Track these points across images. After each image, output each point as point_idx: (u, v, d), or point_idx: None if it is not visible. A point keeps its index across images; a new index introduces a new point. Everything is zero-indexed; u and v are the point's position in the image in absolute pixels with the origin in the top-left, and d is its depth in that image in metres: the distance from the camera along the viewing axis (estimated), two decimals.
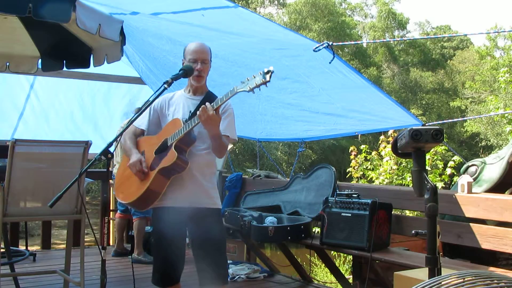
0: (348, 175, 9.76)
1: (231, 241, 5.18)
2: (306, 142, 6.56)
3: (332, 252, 5.78)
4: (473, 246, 3.51)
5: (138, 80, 5.26)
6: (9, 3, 2.97)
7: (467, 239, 3.53)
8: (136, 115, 2.58)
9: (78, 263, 3.48)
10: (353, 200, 3.84)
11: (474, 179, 3.98)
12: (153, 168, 2.61)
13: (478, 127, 24.28)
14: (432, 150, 8.40)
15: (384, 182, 8.66)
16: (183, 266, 2.73)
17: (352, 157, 9.61)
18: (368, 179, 9.17)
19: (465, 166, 4.28)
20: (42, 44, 4.59)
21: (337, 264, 5.93)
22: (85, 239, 3.74)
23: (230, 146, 3.39)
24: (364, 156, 9.53)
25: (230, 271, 4.59)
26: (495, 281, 1.44)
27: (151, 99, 2.60)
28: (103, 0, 3.77)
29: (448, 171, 8.45)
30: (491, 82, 24.32)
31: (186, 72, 2.66)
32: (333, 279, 5.33)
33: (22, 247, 5.42)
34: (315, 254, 4.54)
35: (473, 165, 4.20)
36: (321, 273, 7.21)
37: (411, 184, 3.80)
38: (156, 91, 2.58)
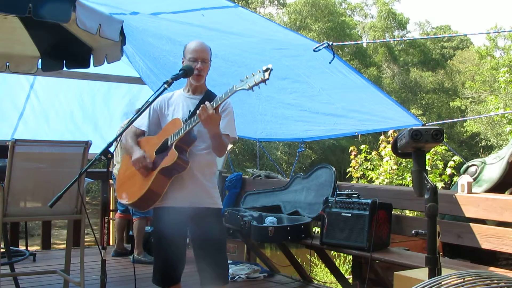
0: (348, 175, 9.76)
1: (231, 241, 5.18)
2: (306, 142, 6.56)
3: (332, 252, 5.78)
4: (473, 246, 3.51)
5: (138, 80, 5.26)
6: (9, 3, 2.97)
7: (467, 239, 3.53)
8: (136, 115, 2.58)
9: (78, 263, 3.48)
10: (353, 200, 3.84)
11: (474, 179, 3.98)
12: (154, 168, 2.61)
13: (478, 127, 24.28)
14: (432, 150, 8.40)
15: (384, 182, 8.66)
16: (183, 266, 2.73)
17: (352, 157, 9.61)
18: (368, 179, 9.17)
19: (465, 166, 4.28)
20: (42, 44, 4.59)
21: (337, 264, 5.93)
22: (85, 239, 3.74)
23: (230, 146, 3.39)
24: (364, 156, 9.53)
25: (230, 271, 4.59)
26: (495, 281, 1.44)
27: (151, 99, 2.61)
28: (103, 0, 3.77)
29: (448, 171, 8.45)
30: (491, 82, 24.32)
31: (186, 72, 2.66)
32: (333, 279, 5.33)
33: (22, 247, 5.42)
34: (315, 254, 4.54)
35: (473, 165, 4.20)
36: (321, 273, 7.20)
37: (411, 184, 3.80)
38: (156, 91, 2.58)
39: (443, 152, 9.87)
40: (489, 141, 23.49)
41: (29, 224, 7.16)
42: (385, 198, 3.96)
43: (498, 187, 3.95)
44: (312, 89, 4.95)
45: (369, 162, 9.41)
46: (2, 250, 3.76)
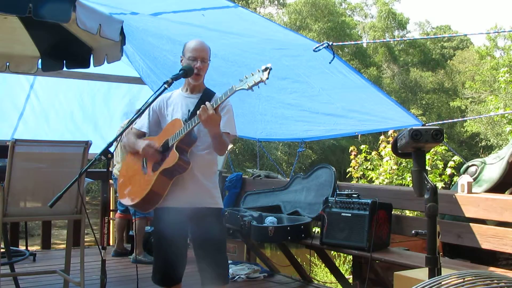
0: (348, 175, 9.76)
1: (231, 241, 5.18)
2: (306, 142, 6.56)
3: (332, 252, 5.78)
4: (473, 246, 3.51)
5: (138, 80, 5.27)
6: (9, 3, 2.97)
7: (467, 239, 3.53)
8: (136, 115, 2.58)
9: (78, 263, 3.48)
10: (353, 200, 3.84)
11: (474, 179, 3.98)
12: (155, 169, 2.61)
13: (478, 127, 24.28)
14: (432, 150, 8.40)
15: (384, 182, 8.66)
16: (184, 267, 2.73)
17: (352, 157, 9.61)
18: (368, 179, 9.17)
19: (465, 166, 4.28)
20: (42, 44, 4.59)
21: (337, 264, 5.93)
22: (85, 239, 3.74)
23: (230, 146, 3.39)
24: (364, 156, 9.53)
25: (230, 271, 4.59)
26: (495, 281, 1.44)
27: (150, 100, 2.61)
28: (103, 0, 3.78)
29: (448, 171, 8.45)
30: (491, 82, 24.32)
31: (186, 72, 2.66)
32: (333, 279, 5.33)
33: (22, 247, 5.41)
34: (315, 254, 4.54)
35: (473, 165, 4.20)
36: (321, 273, 7.20)
37: (411, 184, 3.80)
38: (156, 91, 2.58)
39: (443, 152, 9.87)
40: (489, 141, 23.49)
41: (29, 224, 7.16)
42: (385, 198, 3.96)
43: (498, 187, 3.95)
44: (312, 89, 4.95)
45: (369, 162, 9.40)
46: (2, 250, 3.76)
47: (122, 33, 3.59)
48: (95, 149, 2.96)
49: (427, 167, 6.86)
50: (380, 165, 9.11)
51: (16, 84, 6.16)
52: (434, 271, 1.96)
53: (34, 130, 6.24)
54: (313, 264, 6.75)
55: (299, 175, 5.02)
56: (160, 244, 2.72)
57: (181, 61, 2.76)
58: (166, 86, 2.54)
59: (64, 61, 4.46)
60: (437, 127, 2.07)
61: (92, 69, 4.44)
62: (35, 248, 6.14)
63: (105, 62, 4.02)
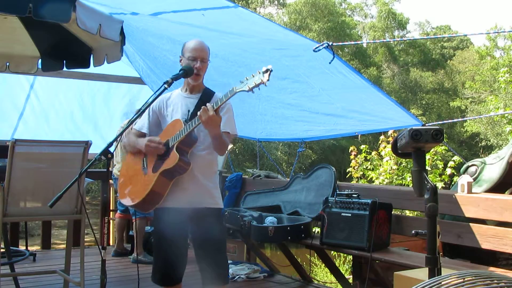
0: (348, 175, 9.76)
1: (231, 241, 5.18)
2: (306, 142, 6.56)
3: (332, 252, 5.78)
4: (473, 246, 3.51)
5: (138, 80, 5.27)
6: (9, 3, 2.97)
7: (467, 239, 3.53)
8: (136, 115, 2.58)
9: (78, 263, 3.48)
10: (353, 200, 3.84)
11: (474, 179, 3.98)
12: (156, 170, 2.61)
13: (478, 127, 24.28)
14: (432, 150, 8.40)
15: (384, 182, 8.66)
16: (184, 267, 2.73)
17: (352, 157, 9.61)
18: (368, 179, 9.17)
19: (465, 166, 4.28)
20: (42, 44, 4.59)
21: (337, 264, 5.93)
22: (85, 239, 3.74)
23: (230, 146, 3.39)
24: (364, 156, 9.53)
25: (230, 271, 4.59)
26: (495, 281, 1.44)
27: (150, 100, 2.61)
28: (103, 0, 3.78)
29: (448, 171, 8.45)
30: (491, 82, 24.32)
31: (186, 72, 2.66)
32: (333, 279, 5.33)
33: (22, 247, 5.42)
34: (315, 254, 4.54)
35: (473, 165, 4.20)
36: (321, 273, 7.20)
37: (411, 184, 3.80)
38: (156, 91, 2.58)
39: (443, 152, 9.87)
40: (489, 141, 23.49)
41: (29, 224, 7.16)
42: (385, 198, 3.96)
43: (498, 187, 3.95)
44: (312, 89, 4.95)
45: (369, 162, 9.40)
46: (2, 250, 3.76)
47: (122, 33, 3.59)
48: (95, 149, 2.96)
49: (427, 167, 6.86)
50: (380, 165, 9.11)
51: (16, 84, 6.17)
52: (434, 271, 1.96)
53: (34, 130, 6.24)
54: (313, 264, 6.75)
55: (299, 175, 5.02)
56: (160, 244, 2.72)
57: (180, 61, 2.76)
58: (166, 86, 2.54)
59: (64, 61, 4.46)
60: (437, 127, 2.07)
61: (92, 69, 4.44)
62: (35, 248, 6.14)
63: (105, 62, 4.02)
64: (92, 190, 16.24)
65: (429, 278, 1.73)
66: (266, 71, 2.32)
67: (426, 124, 5.14)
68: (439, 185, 8.22)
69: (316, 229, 4.37)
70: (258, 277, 4.71)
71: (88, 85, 6.39)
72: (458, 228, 3.62)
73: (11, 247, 4.48)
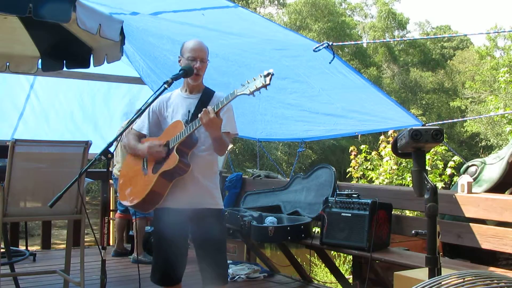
0: (348, 175, 9.76)
1: (231, 241, 5.18)
2: (306, 142, 6.56)
3: (332, 252, 5.78)
4: (473, 246, 3.51)
5: (138, 80, 5.27)
6: (9, 3, 2.97)
7: (467, 239, 3.53)
8: (136, 115, 2.58)
9: (78, 263, 3.48)
10: (353, 200, 3.84)
11: (474, 179, 3.98)
12: (155, 171, 2.61)
13: (478, 127, 24.29)
14: (432, 150, 8.40)
15: (384, 182, 8.65)
16: (184, 267, 2.73)
17: (352, 157, 9.61)
18: (368, 179, 9.17)
19: (465, 166, 4.29)
20: (42, 44, 4.59)
21: (337, 264, 5.93)
22: (85, 239, 3.74)
23: (230, 146, 3.39)
24: (364, 156, 9.53)
25: (230, 271, 4.59)
26: (495, 281, 1.44)
27: (150, 100, 2.60)
28: (103, 0, 3.78)
29: (448, 171, 8.45)
30: (491, 82, 24.32)
31: (186, 72, 2.66)
32: (333, 279, 5.33)
33: (22, 247, 5.42)
34: (315, 254, 4.54)
35: (473, 165, 4.20)
36: (321, 273, 7.20)
37: (411, 184, 3.80)
38: (156, 91, 2.58)
39: (443, 152, 9.87)
40: (489, 141, 23.49)
41: (29, 224, 7.16)
42: (385, 198, 3.96)
43: (498, 187, 3.95)
44: (312, 89, 4.95)
45: (369, 162, 9.40)
46: (2, 250, 3.76)
47: (122, 33, 3.59)
48: (95, 149, 2.96)
49: (427, 167, 6.86)
50: (380, 165, 9.11)
51: (16, 84, 6.17)
52: (434, 271, 1.96)
53: (34, 130, 6.24)
54: (313, 264, 6.75)
55: (299, 175, 5.02)
56: (160, 244, 2.72)
57: (179, 61, 2.75)
58: (166, 86, 2.54)
59: (64, 61, 4.46)
60: (437, 127, 2.07)
61: (92, 69, 4.44)
62: (35, 248, 6.14)
63: (105, 62, 4.02)
64: (92, 190, 16.25)
65: (429, 278, 1.73)
66: (268, 74, 2.32)
67: (426, 124, 5.14)
68: (439, 185, 8.22)
69: (316, 229, 4.37)
70: (258, 277, 4.71)
71: (88, 85, 6.39)
72: (458, 228, 3.62)
73: (11, 247, 4.48)
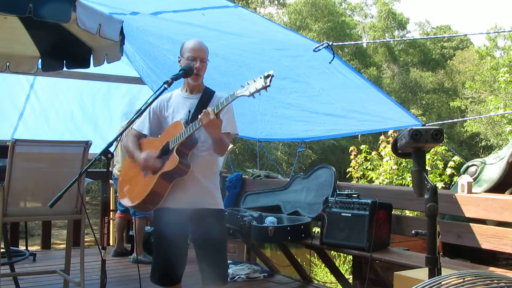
0: (348, 175, 9.76)
1: (231, 241, 5.18)
2: (306, 142, 6.56)
3: (332, 252, 5.78)
4: (473, 246, 3.51)
5: (138, 80, 5.27)
6: (9, 3, 2.97)
7: (467, 239, 3.53)
8: (136, 115, 2.58)
9: (78, 263, 3.48)
10: (353, 200, 3.84)
11: (474, 179, 3.98)
12: (155, 172, 2.61)
13: (478, 127, 24.29)
14: (432, 150, 8.40)
15: (384, 182, 8.66)
16: (184, 267, 2.73)
17: (352, 157, 9.61)
18: (368, 179, 9.17)
19: (465, 166, 4.29)
20: (42, 44, 4.59)
21: (337, 264, 5.93)
22: (85, 239, 3.74)
23: (230, 146, 3.39)
24: (364, 156, 9.53)
25: (230, 271, 4.59)
26: (495, 281, 1.44)
27: (150, 100, 2.60)
28: (103, 0, 3.78)
29: (448, 171, 8.45)
30: (491, 82, 24.32)
31: (186, 72, 2.66)
32: (333, 279, 5.34)
33: (22, 247, 5.42)
34: (315, 254, 4.54)
35: (473, 165, 4.20)
36: (321, 273, 7.21)
37: (411, 184, 3.80)
38: (156, 91, 2.58)
39: (443, 152, 9.87)
40: (489, 141, 23.49)
41: (29, 224, 7.16)
42: (385, 198, 3.96)
43: (498, 187, 3.95)
44: (312, 89, 4.95)
45: (369, 162, 9.40)
46: (2, 250, 3.76)
47: (122, 33, 3.59)
48: (95, 149, 2.96)
49: (427, 167, 6.86)
50: (380, 165, 9.11)
51: (16, 84, 6.17)
52: (434, 271, 1.96)
53: (34, 130, 6.24)
54: (313, 264, 6.75)
55: (299, 175, 5.02)
56: (160, 244, 2.72)
57: (179, 61, 2.75)
58: (166, 86, 2.54)
59: (64, 61, 4.46)
60: (437, 127, 2.07)
61: (92, 69, 4.44)
62: (35, 248, 6.14)
63: (105, 62, 4.02)
64: (92, 190, 16.25)
65: (429, 278, 1.73)
66: (268, 76, 2.32)
67: (426, 124, 5.14)
68: (439, 185, 8.22)
69: (316, 229, 4.37)
70: (258, 277, 4.71)
71: (88, 85, 6.39)
72: (458, 228, 3.62)
73: (11, 247, 4.48)
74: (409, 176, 8.14)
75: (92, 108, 6.57)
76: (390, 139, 8.57)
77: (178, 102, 2.77)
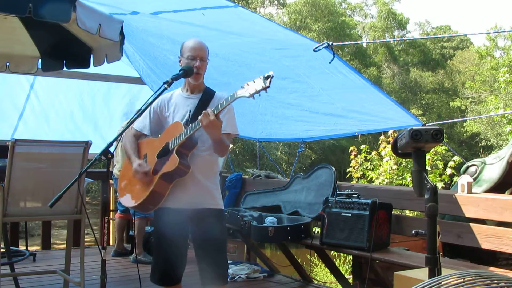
0: (348, 175, 9.76)
1: (231, 241, 5.18)
2: (306, 142, 6.56)
3: (332, 252, 5.78)
4: (473, 246, 3.51)
5: (138, 80, 5.27)
6: (9, 3, 2.97)
7: (467, 239, 3.53)
8: (136, 115, 2.58)
9: (78, 263, 3.48)
10: (353, 200, 3.84)
11: (474, 179, 3.98)
12: (156, 173, 2.61)
13: (478, 127, 24.29)
14: (432, 150, 8.40)
15: (384, 182, 8.65)
16: (184, 267, 2.73)
17: (352, 157, 9.61)
18: (368, 179, 9.17)
19: (465, 166, 4.29)
20: (42, 44, 4.59)
21: (337, 264, 5.93)
22: (85, 239, 3.74)
23: (230, 146, 3.39)
24: (364, 156, 9.53)
25: (230, 271, 4.59)
26: (495, 281, 1.44)
27: (150, 100, 2.60)
28: (103, 0, 3.78)
29: (448, 171, 8.45)
30: (491, 82, 24.33)
31: (186, 72, 2.66)
32: (333, 279, 5.33)
33: (22, 247, 5.41)
34: (315, 254, 4.54)
35: (473, 165, 4.20)
36: (321, 273, 7.21)
37: (411, 184, 3.80)
38: (156, 91, 2.58)
39: (443, 152, 9.87)
40: (489, 141, 23.50)
41: (29, 224, 7.16)
42: (385, 198, 3.96)
43: (498, 187, 3.95)
44: (312, 89, 4.95)
45: (369, 162, 9.40)
46: (2, 250, 3.76)
47: (121, 33, 3.59)
48: (95, 149, 2.96)
49: (427, 167, 6.86)
50: (380, 165, 9.11)
51: (16, 84, 6.16)
52: (434, 271, 1.96)
53: (34, 130, 6.24)
54: (313, 264, 6.75)
55: (299, 175, 5.02)
56: (160, 244, 2.72)
57: (180, 61, 2.75)
58: (166, 86, 2.54)
59: (64, 61, 4.46)
60: (437, 127, 2.07)
61: (92, 69, 4.43)
62: (35, 248, 6.14)
63: (105, 62, 4.01)
64: (92, 190, 16.25)
65: (429, 278, 1.73)
66: (267, 77, 2.31)
67: (426, 124, 5.14)
68: (439, 185, 8.22)
69: (316, 229, 4.37)
70: (258, 277, 4.71)
71: (88, 85, 6.39)
72: (458, 228, 3.62)
73: (11, 247, 4.48)
74: (409, 176, 8.14)
75: (92, 108, 6.57)
76: (390, 139, 8.57)
77: (178, 102, 2.77)
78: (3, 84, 6.11)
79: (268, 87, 2.32)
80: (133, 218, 5.12)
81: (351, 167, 9.64)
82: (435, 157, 8.88)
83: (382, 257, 3.65)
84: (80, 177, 2.48)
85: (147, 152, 2.74)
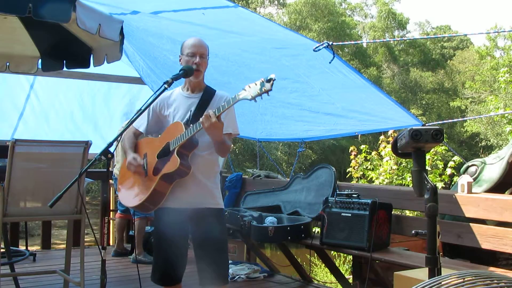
0: (348, 175, 9.76)
1: (231, 241, 5.18)
2: (306, 142, 6.56)
3: (332, 252, 5.78)
4: (473, 246, 3.51)
5: (138, 80, 5.27)
6: (9, 3, 2.97)
7: (467, 239, 3.53)
8: (136, 115, 2.57)
9: (78, 263, 3.48)
10: (353, 200, 3.84)
11: (474, 179, 3.98)
12: (156, 173, 2.61)
13: (478, 127, 24.29)
14: (432, 150, 8.40)
15: (384, 182, 8.65)
16: (184, 267, 2.73)
17: (352, 157, 9.61)
18: (368, 179, 9.17)
19: (465, 166, 4.29)
20: (42, 44, 4.59)
21: (337, 264, 5.93)
22: (85, 239, 3.74)
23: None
24: (364, 156, 9.53)
25: (230, 271, 4.59)
26: (495, 281, 1.44)
27: (150, 99, 2.60)
28: (103, 0, 3.78)
29: (448, 171, 8.45)
30: (491, 82, 24.33)
31: (186, 72, 2.65)
32: (333, 279, 5.33)
33: (22, 247, 5.42)
34: (315, 254, 4.54)
35: (473, 165, 4.20)
36: (321, 273, 7.21)
37: (411, 184, 3.80)
38: (156, 91, 2.58)
39: (443, 152, 9.87)
40: (489, 141, 23.49)
41: (29, 224, 7.16)
42: (385, 198, 3.96)
43: (498, 187, 3.95)
44: (312, 89, 4.95)
45: (369, 162, 9.40)
46: (2, 250, 3.76)
47: (121, 33, 3.59)
48: (95, 149, 2.96)
49: (427, 167, 6.86)
50: (380, 165, 9.11)
51: (16, 84, 6.16)
52: (434, 271, 1.96)
53: (34, 130, 6.24)
54: (313, 264, 6.75)
55: (299, 175, 5.02)
56: (160, 244, 2.72)
57: (180, 60, 2.75)
58: (166, 86, 2.53)
59: (64, 61, 4.46)
60: (437, 127, 2.07)
61: (92, 69, 4.43)
62: (35, 248, 6.14)
63: (105, 62, 4.01)
64: (92, 190, 16.25)
65: (429, 278, 1.73)
66: (269, 80, 2.31)
67: (426, 124, 5.14)
68: (439, 185, 8.22)
69: (316, 229, 4.37)
70: (258, 277, 4.71)
71: (88, 85, 6.39)
72: (458, 228, 3.62)
73: (11, 247, 4.48)
74: (409, 176, 8.14)
75: (92, 108, 6.57)
76: (390, 139, 8.57)
77: (179, 101, 2.77)
78: (3, 84, 6.12)
79: (270, 90, 2.31)
80: (133, 218, 5.12)
81: (351, 167, 9.64)
82: (435, 157, 8.88)
83: (382, 257, 3.65)
84: (80, 177, 2.48)
85: (147, 152, 2.74)
